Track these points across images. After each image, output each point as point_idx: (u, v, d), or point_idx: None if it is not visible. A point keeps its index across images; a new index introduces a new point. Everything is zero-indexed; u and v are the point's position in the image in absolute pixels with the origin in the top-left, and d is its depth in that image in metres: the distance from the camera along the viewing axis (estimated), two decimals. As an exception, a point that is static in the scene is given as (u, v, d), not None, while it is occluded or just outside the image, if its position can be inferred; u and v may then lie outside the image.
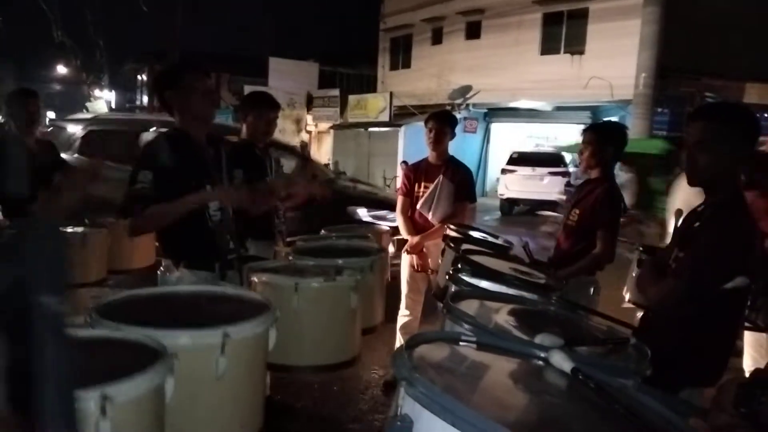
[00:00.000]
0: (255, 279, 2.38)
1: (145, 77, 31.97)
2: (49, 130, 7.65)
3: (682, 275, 2.03)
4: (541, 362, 1.23)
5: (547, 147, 20.34)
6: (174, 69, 2.65)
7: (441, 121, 4.12)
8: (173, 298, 2.05)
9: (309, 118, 22.99)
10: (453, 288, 2.02)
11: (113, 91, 31.88)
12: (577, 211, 3.39)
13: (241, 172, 2.93)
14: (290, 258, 2.97)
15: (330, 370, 2.43)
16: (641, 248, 3.90)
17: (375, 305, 2.99)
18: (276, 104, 3.70)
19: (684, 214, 2.29)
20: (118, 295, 1.95)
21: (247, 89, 13.10)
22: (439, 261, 3.06)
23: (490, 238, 3.47)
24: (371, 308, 2.87)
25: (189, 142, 2.57)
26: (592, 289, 3.27)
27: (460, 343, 1.22)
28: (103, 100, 24.40)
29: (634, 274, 3.78)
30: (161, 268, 2.55)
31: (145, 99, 32.06)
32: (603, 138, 3.38)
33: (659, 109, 17.23)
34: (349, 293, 2.37)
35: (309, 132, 19.68)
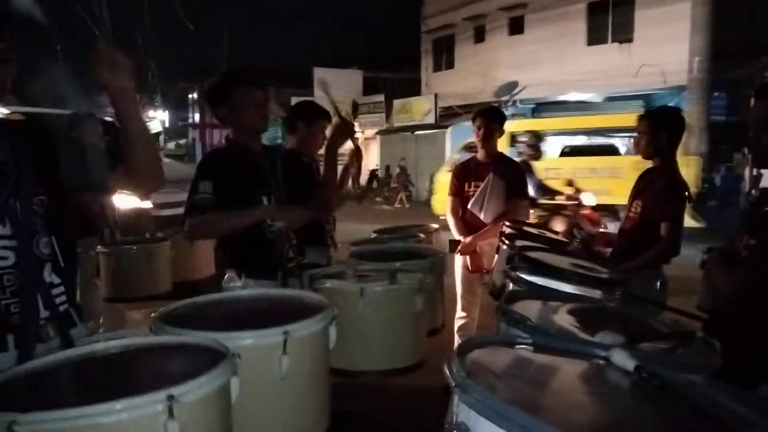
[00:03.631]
0: (318, 286, 2.38)
1: (195, 95, 32.83)
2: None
3: (756, 263, 1.92)
4: (602, 362, 1.18)
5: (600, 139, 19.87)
6: (223, 84, 2.69)
7: (489, 118, 4.06)
8: (233, 303, 2.09)
9: (355, 125, 23.15)
10: (510, 286, 1.98)
11: (166, 111, 32.88)
12: (639, 203, 3.28)
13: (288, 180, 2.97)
14: (349, 263, 2.97)
15: (396, 374, 2.42)
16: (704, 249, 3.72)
17: (436, 307, 2.97)
18: (325, 112, 3.71)
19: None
20: (179, 303, 1.99)
21: (294, 101, 13.30)
22: (494, 259, 3.01)
23: (547, 234, 3.38)
24: (433, 311, 2.86)
25: (245, 154, 2.62)
26: (658, 283, 3.15)
27: (516, 346, 1.18)
28: (157, 120, 25.17)
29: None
30: (225, 279, 2.60)
31: (197, 116, 32.95)
32: (656, 125, 3.26)
33: (715, 94, 16.59)
34: (414, 296, 2.37)
35: (355, 138, 19.84)
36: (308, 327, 1.73)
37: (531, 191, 5.06)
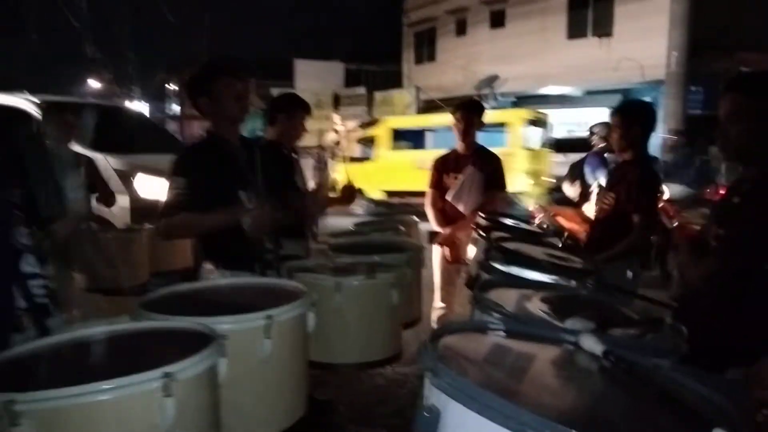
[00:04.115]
0: (296, 279, 2.40)
1: (174, 86, 32.48)
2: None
3: (723, 253, 1.97)
4: (572, 347, 1.21)
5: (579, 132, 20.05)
6: (204, 74, 2.66)
7: (468, 111, 4.08)
8: (214, 291, 2.11)
9: (336, 117, 23.10)
10: (483, 276, 2.00)
11: (146, 102, 32.50)
12: (612, 195, 3.32)
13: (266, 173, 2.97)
14: (328, 255, 2.98)
15: (374, 366, 2.46)
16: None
17: (413, 300, 2.99)
18: (307, 106, 3.70)
19: None
20: (160, 291, 2.01)
21: (274, 92, 13.22)
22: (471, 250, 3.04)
23: (522, 225, 3.42)
24: (410, 303, 2.88)
25: (223, 147, 2.61)
26: (631, 273, 3.21)
27: (488, 332, 1.20)
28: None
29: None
30: (202, 270, 2.60)
31: (176, 107, 32.59)
32: (629, 119, 3.30)
33: (693, 88, 16.82)
34: (390, 290, 2.39)
35: (337, 131, 19.81)
36: (289, 312, 1.79)
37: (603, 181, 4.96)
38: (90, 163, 4.93)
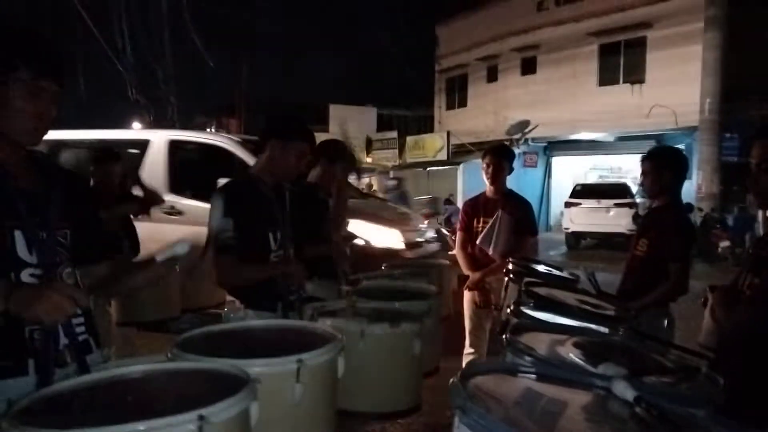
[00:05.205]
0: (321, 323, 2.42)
1: (213, 129, 33.37)
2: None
3: (759, 302, 1.93)
4: (603, 392, 1.20)
5: (611, 178, 19.91)
6: (291, 124, 2.77)
7: (497, 155, 4.12)
8: (246, 332, 2.14)
9: (369, 161, 23.37)
10: (515, 321, 1.99)
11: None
12: (646, 241, 3.29)
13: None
14: (350, 300, 2.98)
15: (394, 417, 2.43)
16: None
17: (433, 349, 2.96)
18: (346, 154, 3.79)
19: None
20: (195, 331, 2.04)
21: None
22: (502, 296, 3.03)
23: (554, 271, 3.40)
24: (429, 352, 2.85)
25: (259, 189, 2.67)
26: (665, 321, 3.15)
27: (519, 374, 1.20)
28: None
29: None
30: (225, 307, 2.64)
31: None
32: (659, 164, 3.30)
33: (727, 135, 16.63)
34: (413, 340, 2.39)
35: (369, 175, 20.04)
36: (320, 356, 1.80)
37: None
38: None
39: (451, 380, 1.04)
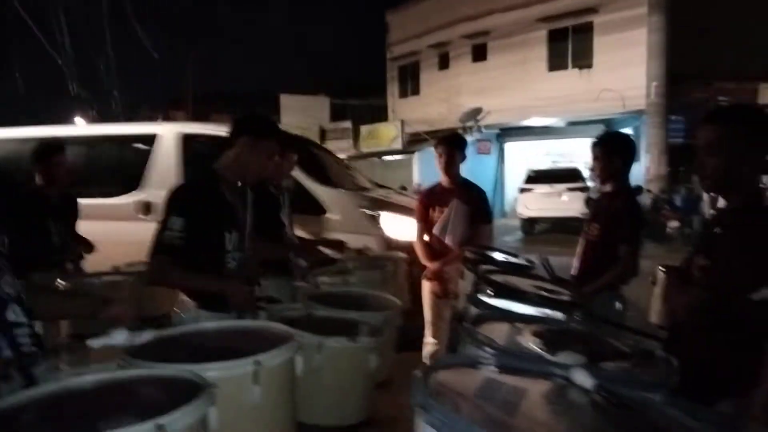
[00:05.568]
0: None
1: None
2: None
3: (708, 284, 1.98)
4: (563, 381, 1.21)
5: (563, 163, 20.29)
6: (264, 122, 2.72)
7: (450, 145, 4.13)
8: (200, 335, 2.08)
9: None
10: (473, 310, 2.00)
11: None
12: (597, 226, 3.35)
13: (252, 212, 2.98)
14: (306, 305, 2.92)
15: (347, 431, 2.42)
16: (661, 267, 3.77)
17: (385, 360, 2.92)
18: (293, 142, 3.73)
19: None
20: (144, 336, 1.97)
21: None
22: (459, 285, 3.04)
23: (510, 258, 3.43)
24: (384, 362, 2.82)
25: (219, 186, 2.60)
26: (617, 304, 3.22)
27: (480, 367, 1.20)
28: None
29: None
30: (175, 307, 2.57)
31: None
32: (609, 150, 3.36)
33: (673, 117, 17.14)
34: (369, 353, 2.39)
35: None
36: (278, 356, 1.77)
37: None
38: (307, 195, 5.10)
39: (412, 377, 1.02)
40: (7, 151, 6.16)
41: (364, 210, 5.50)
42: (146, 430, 1.21)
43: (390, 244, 5.17)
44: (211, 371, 1.58)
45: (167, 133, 6.02)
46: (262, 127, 2.69)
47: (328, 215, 5.40)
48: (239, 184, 2.70)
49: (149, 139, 6.00)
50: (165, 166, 5.80)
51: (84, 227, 4.47)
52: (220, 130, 6.29)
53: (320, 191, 5.50)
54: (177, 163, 5.84)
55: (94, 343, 1.55)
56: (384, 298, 3.16)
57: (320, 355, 2.24)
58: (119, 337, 1.56)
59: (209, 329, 2.14)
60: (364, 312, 2.78)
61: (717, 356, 1.92)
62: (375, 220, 5.46)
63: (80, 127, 6.67)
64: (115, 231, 5.27)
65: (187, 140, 5.97)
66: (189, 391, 1.40)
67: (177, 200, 2.51)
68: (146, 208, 5.67)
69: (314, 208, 5.36)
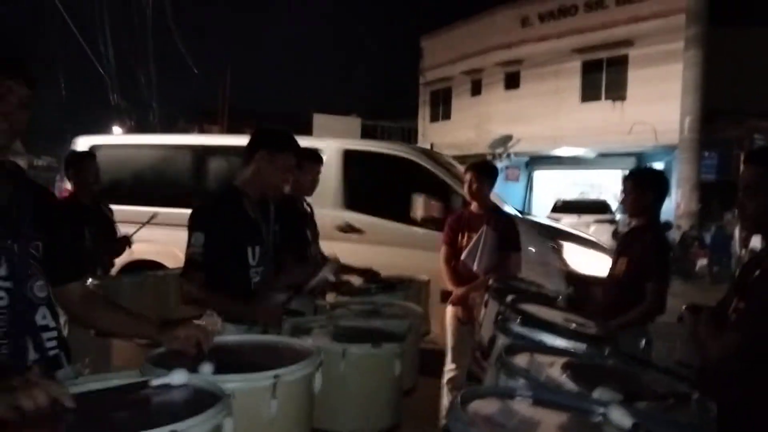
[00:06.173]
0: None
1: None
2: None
3: (744, 327, 1.94)
4: (600, 418, 1.18)
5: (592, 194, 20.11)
6: (281, 136, 2.71)
7: (479, 171, 4.12)
8: (221, 347, 2.09)
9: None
10: (502, 339, 1.97)
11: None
12: (624, 260, 3.31)
13: (278, 227, 2.99)
14: (331, 317, 2.93)
15: None
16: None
17: (412, 366, 2.93)
18: (319, 158, 3.73)
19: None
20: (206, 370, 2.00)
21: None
22: (482, 313, 3.00)
23: (534, 288, 3.39)
24: (408, 370, 2.82)
25: (242, 202, 2.62)
26: (644, 341, 3.16)
27: (516, 398, 1.18)
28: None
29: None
30: (204, 318, 2.58)
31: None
32: (641, 184, 3.33)
33: (706, 153, 16.91)
34: (393, 360, 2.37)
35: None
36: (296, 372, 1.76)
37: None
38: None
39: (449, 405, 1.01)
40: (158, 157, 6.41)
41: (546, 241, 5.15)
42: None
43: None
44: (230, 383, 1.58)
45: (329, 149, 5.72)
46: (278, 141, 2.67)
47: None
48: (262, 198, 2.71)
49: None
50: (327, 183, 5.32)
51: None
52: (383, 147, 6.25)
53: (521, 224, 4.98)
54: (339, 179, 5.69)
55: (155, 382, 1.57)
56: (407, 307, 3.17)
57: (344, 363, 2.23)
58: (179, 378, 1.58)
59: (231, 341, 2.15)
60: (388, 320, 2.79)
61: (752, 401, 1.86)
62: (558, 252, 5.16)
63: (237, 137, 6.49)
64: None
65: (350, 156, 5.82)
66: (207, 401, 1.40)
67: (198, 216, 2.56)
68: None
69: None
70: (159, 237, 5.32)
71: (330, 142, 6.01)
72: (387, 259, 4.79)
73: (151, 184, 6.42)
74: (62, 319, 1.84)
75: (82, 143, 6.58)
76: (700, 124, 15.89)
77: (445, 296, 4.20)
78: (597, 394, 1.26)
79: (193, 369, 1.65)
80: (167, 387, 1.55)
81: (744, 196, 1.98)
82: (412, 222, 5.51)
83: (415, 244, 5.35)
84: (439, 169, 5.72)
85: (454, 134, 23.22)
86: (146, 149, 6.95)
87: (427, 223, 5.35)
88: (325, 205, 5.01)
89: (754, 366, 1.88)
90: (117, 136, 7.07)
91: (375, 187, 6.09)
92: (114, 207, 4.63)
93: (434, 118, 25.95)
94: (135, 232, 4.63)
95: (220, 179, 5.97)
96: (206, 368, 1.64)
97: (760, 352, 1.86)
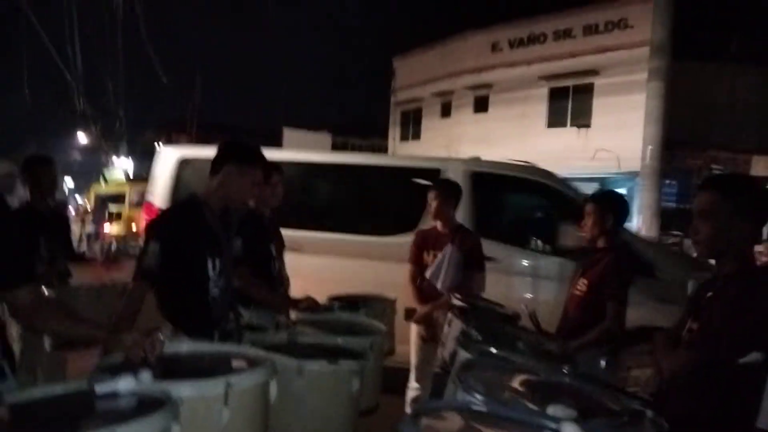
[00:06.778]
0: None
1: (161, 146, 32.57)
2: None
3: (695, 347, 1.99)
4: (553, 434, 1.19)
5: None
6: (250, 150, 2.69)
7: (441, 190, 4.15)
8: (174, 357, 2.06)
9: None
10: (462, 354, 1.98)
11: (131, 159, 32.44)
12: (585, 281, 3.36)
13: (241, 241, 2.97)
14: (290, 332, 2.89)
15: None
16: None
17: (374, 385, 2.89)
18: (280, 170, 3.61)
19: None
20: (119, 354, 1.95)
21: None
22: (445, 331, 3.01)
23: (496, 308, 3.42)
24: (370, 388, 2.78)
25: (203, 213, 2.59)
26: (603, 362, 3.21)
27: (469, 413, 1.18)
28: (120, 169, 24.86)
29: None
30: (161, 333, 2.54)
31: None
32: (602, 207, 3.40)
33: (667, 181, 17.35)
34: (351, 378, 2.34)
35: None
36: (249, 379, 1.76)
37: None
38: None
39: (403, 419, 1.01)
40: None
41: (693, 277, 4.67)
42: None
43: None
44: (181, 389, 1.56)
45: (453, 170, 5.34)
46: (247, 155, 2.67)
47: (660, 279, 4.71)
48: (224, 210, 2.69)
49: (432, 174, 5.27)
50: None
51: (347, 265, 4.55)
52: (516, 171, 5.62)
53: (647, 248, 4.91)
54: (467, 204, 5.02)
55: (101, 388, 1.53)
56: (369, 324, 3.15)
57: (301, 379, 2.19)
58: (125, 384, 1.54)
59: (183, 351, 2.12)
60: (348, 337, 2.75)
61: (705, 419, 1.91)
62: None
63: (356, 156, 6.40)
64: (388, 272, 4.71)
65: (476, 180, 5.32)
66: (153, 407, 1.39)
67: (155, 225, 2.54)
68: None
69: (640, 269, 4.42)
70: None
71: (455, 164, 5.61)
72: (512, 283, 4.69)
73: None
74: (14, 330, 1.79)
75: (168, 155, 6.07)
76: (661, 152, 16.31)
77: (410, 314, 4.20)
78: (551, 410, 1.28)
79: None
80: (114, 395, 1.52)
81: (697, 221, 2.04)
82: (551, 251, 5.14)
83: (551, 276, 4.98)
84: (572, 192, 5.36)
85: (424, 154, 23.39)
86: None
87: (570, 253, 4.85)
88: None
89: (705, 383, 1.93)
90: (211, 148, 6.49)
91: (504, 213, 5.70)
92: None
93: (404, 138, 26.11)
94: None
95: (332, 196, 5.60)
96: (144, 376, 1.60)
97: (711, 371, 1.91)
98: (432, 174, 5.30)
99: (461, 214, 4.96)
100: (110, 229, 18.12)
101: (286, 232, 3.95)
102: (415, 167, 5.91)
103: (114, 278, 4.15)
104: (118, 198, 19.21)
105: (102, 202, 20.10)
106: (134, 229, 18.60)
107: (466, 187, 5.05)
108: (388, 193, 5.80)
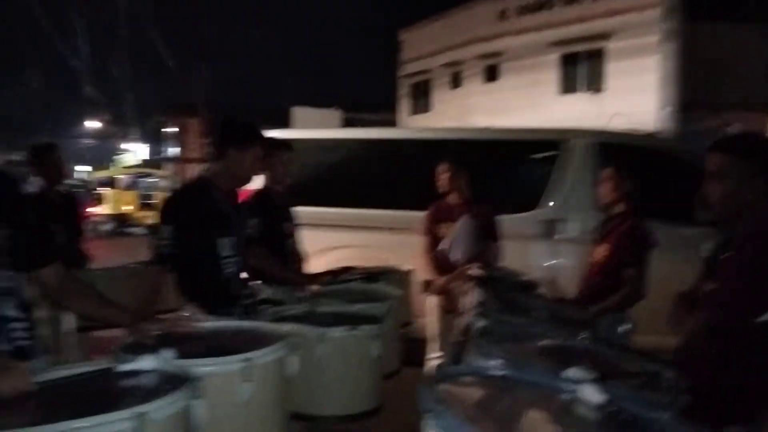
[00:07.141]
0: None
1: (173, 129, 32.65)
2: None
3: (714, 307, 1.98)
4: (571, 396, 1.20)
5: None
6: (247, 128, 2.72)
7: (452, 162, 4.14)
8: (195, 335, 2.10)
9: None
10: (481, 322, 2.00)
11: (146, 144, 32.51)
12: (604, 247, 3.35)
13: (257, 221, 3.02)
14: (309, 304, 2.93)
15: (355, 419, 2.42)
16: None
17: (393, 350, 2.93)
18: (288, 146, 3.60)
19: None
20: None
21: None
22: (463, 301, 3.03)
23: (514, 277, 3.42)
24: (390, 353, 2.82)
25: (213, 194, 2.64)
26: (623, 327, 3.21)
27: (488, 377, 1.20)
28: (131, 153, 25.09)
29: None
30: (185, 313, 2.58)
31: (172, 150, 32.69)
32: (621, 172, 3.37)
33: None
34: (371, 342, 2.39)
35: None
36: (268, 355, 1.79)
37: None
38: None
39: (420, 383, 1.03)
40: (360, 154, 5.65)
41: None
42: (126, 417, 1.21)
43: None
44: (201, 367, 1.60)
45: (578, 142, 5.00)
46: (246, 136, 2.71)
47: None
48: (232, 190, 2.76)
49: (552, 147, 5.04)
50: (575, 180, 4.84)
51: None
52: (639, 141, 5.23)
53: None
54: (590, 177, 4.55)
55: (123, 367, 1.57)
56: (386, 291, 3.21)
57: (323, 347, 2.25)
58: (147, 363, 1.58)
59: (206, 328, 2.16)
60: (365, 304, 2.80)
61: (723, 380, 1.91)
62: None
63: (471, 130, 6.05)
64: (509, 252, 4.39)
65: (604, 150, 4.87)
66: (174, 385, 1.42)
67: (166, 209, 2.60)
68: (550, 227, 4.86)
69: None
70: (366, 240, 5.00)
71: (576, 132, 5.26)
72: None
73: (353, 183, 5.48)
74: (43, 313, 1.84)
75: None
76: (677, 114, 16.10)
77: (427, 286, 4.22)
78: (569, 373, 1.29)
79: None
80: (136, 373, 1.55)
81: (709, 183, 2.01)
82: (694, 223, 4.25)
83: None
84: (693, 157, 4.75)
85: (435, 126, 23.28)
86: (350, 144, 5.92)
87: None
88: (573, 204, 4.64)
89: (722, 345, 1.92)
90: (310, 131, 6.19)
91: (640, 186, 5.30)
92: (305, 209, 4.01)
93: (414, 111, 25.92)
94: None
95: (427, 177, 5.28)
96: (167, 353, 1.63)
97: (728, 331, 1.91)
98: (546, 146, 5.11)
99: (585, 191, 4.61)
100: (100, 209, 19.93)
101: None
102: (534, 140, 5.54)
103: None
104: (108, 183, 22.02)
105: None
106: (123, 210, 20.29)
107: (594, 161, 4.71)
108: (508, 168, 5.46)
